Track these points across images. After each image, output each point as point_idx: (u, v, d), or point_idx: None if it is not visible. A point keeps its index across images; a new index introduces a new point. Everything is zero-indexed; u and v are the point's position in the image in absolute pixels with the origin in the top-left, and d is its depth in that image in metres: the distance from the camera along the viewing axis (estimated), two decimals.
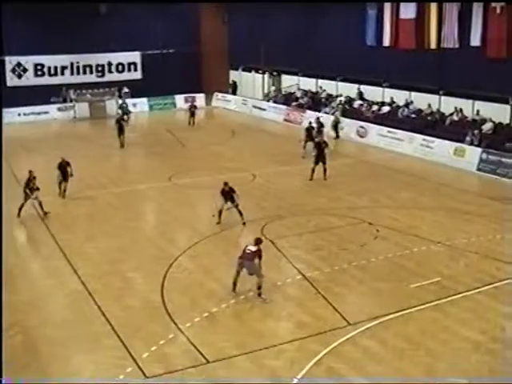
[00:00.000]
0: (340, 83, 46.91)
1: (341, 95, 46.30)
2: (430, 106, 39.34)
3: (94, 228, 24.18)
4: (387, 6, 40.78)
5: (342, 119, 41.68)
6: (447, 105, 38.45)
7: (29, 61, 50.48)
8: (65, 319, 16.89)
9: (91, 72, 53.23)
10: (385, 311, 16.77)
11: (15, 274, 19.45)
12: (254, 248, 17.61)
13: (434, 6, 37.52)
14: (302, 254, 20.22)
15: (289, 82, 53.14)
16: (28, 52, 49.24)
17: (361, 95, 45.18)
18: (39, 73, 51.27)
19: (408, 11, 39.16)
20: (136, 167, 35.71)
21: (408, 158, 35.36)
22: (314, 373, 13.98)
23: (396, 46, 40.42)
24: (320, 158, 30.06)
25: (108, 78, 53.67)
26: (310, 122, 37.50)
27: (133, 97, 51.51)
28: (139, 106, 52.30)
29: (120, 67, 54.35)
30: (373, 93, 44.34)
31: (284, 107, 48.88)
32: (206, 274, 19.59)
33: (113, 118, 42.62)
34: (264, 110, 50.92)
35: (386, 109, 42.11)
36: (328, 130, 39.07)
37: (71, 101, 50.58)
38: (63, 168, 27.27)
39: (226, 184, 23.51)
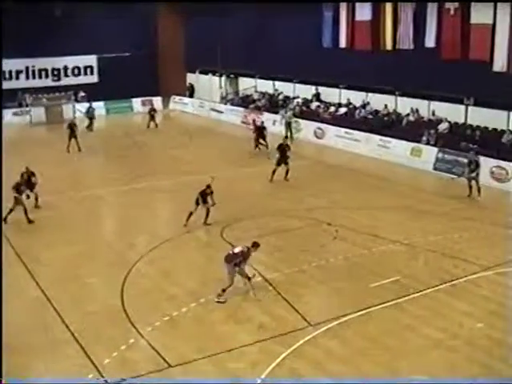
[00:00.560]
0: (297, 85, 47.11)
1: (298, 97, 46.52)
2: (386, 106, 39.68)
3: (52, 234, 23.85)
4: (343, 8, 40.96)
5: (297, 120, 42.07)
6: (403, 105, 38.85)
7: None
8: (23, 327, 16.57)
9: (47, 76, 52.50)
10: (345, 311, 16.85)
11: None
12: (236, 250, 17.72)
13: (389, 8, 37.81)
14: (261, 255, 20.24)
15: (246, 84, 53.26)
16: None
17: (318, 96, 45.40)
18: None
19: (364, 13, 39.40)
20: (94, 172, 35.34)
21: (365, 158, 35.63)
22: (276, 374, 13.99)
23: (352, 48, 40.62)
24: (282, 160, 30.29)
25: (64, 81, 53.01)
26: (262, 122, 38.69)
27: (89, 101, 50.98)
28: (96, 109, 51.88)
29: (76, 71, 53.70)
30: (330, 94, 44.59)
31: (241, 109, 48.89)
32: (165, 277, 19.51)
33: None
34: (221, 112, 50.89)
35: (342, 110, 42.37)
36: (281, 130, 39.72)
37: (27, 105, 49.91)
38: (26, 178, 26.38)
39: (208, 187, 23.56)
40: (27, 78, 51.68)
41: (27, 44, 48.42)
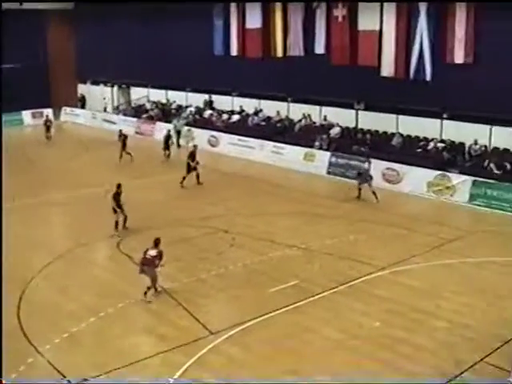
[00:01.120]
0: (190, 94, 47.09)
1: (191, 105, 46.49)
2: (278, 113, 40.11)
3: None
4: (233, 16, 41.30)
5: (190, 128, 42.19)
6: (296, 111, 39.38)
7: None
8: None
9: None
10: (246, 317, 16.89)
11: None
12: (154, 252, 17.89)
13: (279, 16, 38.31)
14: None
15: (138, 94, 52.84)
16: None
17: (210, 104, 45.48)
18: None
19: (254, 21, 39.80)
20: None
21: (260, 165, 35.92)
22: None
23: (244, 55, 40.97)
24: (191, 167, 31.14)
25: None
26: (169, 131, 39.33)
27: None
28: None
29: None
30: (223, 102, 44.75)
31: (135, 120, 48.53)
32: (63, 293, 19.09)
33: None
34: (114, 123, 50.27)
35: (235, 117, 42.59)
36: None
37: None
38: None
39: (118, 187, 23.68)
40: None
41: None
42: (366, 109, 35.32)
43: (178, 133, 41.22)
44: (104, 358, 15.17)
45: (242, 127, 40.82)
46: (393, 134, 33.93)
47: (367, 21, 33.70)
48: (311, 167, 34.14)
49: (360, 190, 28.70)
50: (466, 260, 21.19)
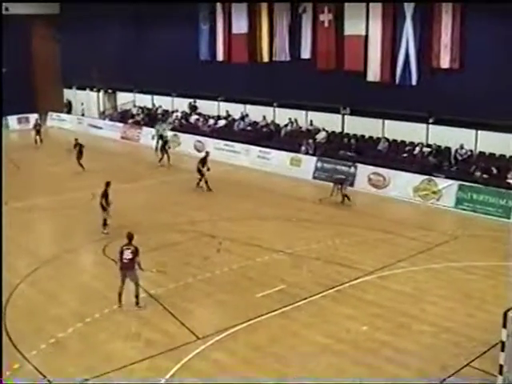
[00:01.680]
0: (176, 99, 47.08)
1: (177, 110, 46.46)
2: (264, 118, 40.17)
3: None
4: (219, 21, 41.35)
5: (176, 133, 42.21)
6: (282, 116, 39.48)
7: None
8: None
9: None
10: (232, 322, 16.88)
11: None
12: (130, 254, 17.69)
13: (265, 21, 38.43)
14: (145, 271, 20.07)
15: (124, 99, 52.77)
16: None
17: (194, 109, 45.43)
18: None
19: (240, 26, 39.88)
20: None
21: (246, 169, 35.97)
22: None
23: (230, 61, 41.04)
24: (203, 172, 31.40)
25: None
26: (166, 136, 39.77)
27: None
28: None
29: None
30: (209, 107, 44.75)
31: (121, 125, 48.47)
32: (49, 298, 19.00)
33: None
34: (100, 128, 50.20)
35: (222, 122, 42.64)
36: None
37: None
38: None
39: (107, 184, 23.82)
40: None
41: None
42: (352, 113, 35.46)
43: (161, 137, 41.05)
44: (91, 362, 15.10)
45: (228, 132, 40.86)
46: (379, 139, 34.07)
47: (353, 26, 33.85)
48: (297, 172, 34.19)
49: (344, 195, 28.73)
50: (452, 264, 21.29)
